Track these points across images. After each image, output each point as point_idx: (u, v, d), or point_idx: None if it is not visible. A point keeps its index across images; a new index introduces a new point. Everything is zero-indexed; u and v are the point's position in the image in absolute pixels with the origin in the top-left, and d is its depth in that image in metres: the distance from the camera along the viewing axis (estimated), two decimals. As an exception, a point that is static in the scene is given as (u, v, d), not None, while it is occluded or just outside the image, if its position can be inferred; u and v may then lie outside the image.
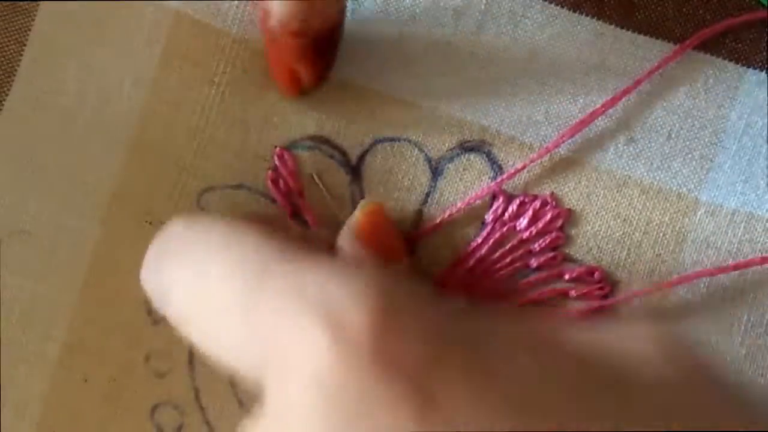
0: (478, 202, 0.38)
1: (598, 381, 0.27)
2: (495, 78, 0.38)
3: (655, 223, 0.38)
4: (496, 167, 0.38)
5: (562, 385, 0.26)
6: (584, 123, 0.37)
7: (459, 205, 0.38)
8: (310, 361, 0.26)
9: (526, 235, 0.38)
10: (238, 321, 0.29)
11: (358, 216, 0.36)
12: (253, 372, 0.28)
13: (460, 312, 0.29)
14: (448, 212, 0.38)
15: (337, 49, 0.38)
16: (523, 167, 0.38)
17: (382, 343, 0.26)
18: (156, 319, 0.38)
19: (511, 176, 0.38)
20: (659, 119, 0.38)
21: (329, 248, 0.36)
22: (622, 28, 0.38)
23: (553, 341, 0.28)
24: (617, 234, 0.38)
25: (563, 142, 0.37)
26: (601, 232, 0.38)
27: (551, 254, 0.38)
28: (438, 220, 0.38)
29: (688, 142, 0.38)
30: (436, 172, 0.38)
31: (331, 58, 0.37)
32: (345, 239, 0.36)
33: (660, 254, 0.38)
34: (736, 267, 0.37)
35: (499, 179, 0.38)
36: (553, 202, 0.38)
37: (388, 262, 0.35)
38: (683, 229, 0.38)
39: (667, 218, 0.38)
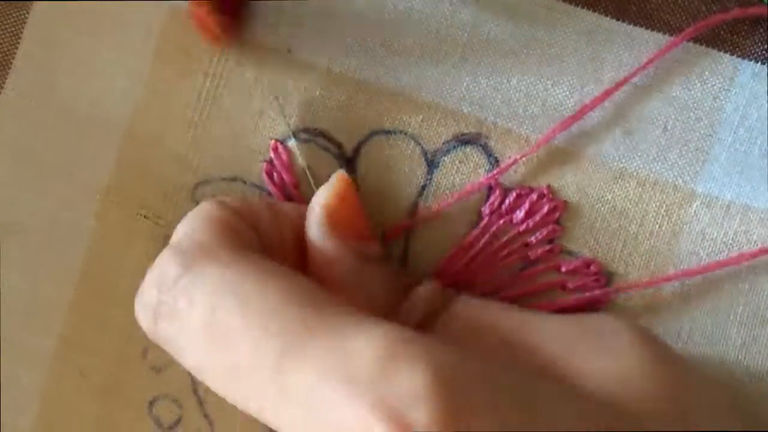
0: (474, 195, 0.38)
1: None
2: (491, 70, 0.38)
3: (651, 215, 0.38)
4: (493, 160, 0.38)
5: None
6: (579, 114, 0.37)
7: (454, 195, 0.38)
8: None
9: (522, 227, 0.38)
10: (267, 377, 0.28)
11: (330, 199, 0.35)
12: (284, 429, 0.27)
13: (527, 383, 0.28)
14: (443, 203, 0.38)
15: (244, 9, 0.37)
16: (515, 160, 0.37)
17: None
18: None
19: (505, 169, 0.38)
20: (655, 111, 0.38)
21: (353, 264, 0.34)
22: (617, 19, 0.38)
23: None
24: (613, 226, 0.38)
25: (557, 133, 0.37)
26: (597, 224, 0.38)
27: (548, 247, 0.38)
28: (433, 210, 0.38)
29: (684, 134, 0.38)
30: (431, 164, 0.38)
31: (238, 15, 0.37)
32: (315, 228, 0.34)
33: (656, 246, 0.38)
34: (738, 260, 0.37)
35: (494, 172, 0.38)
36: (550, 195, 0.38)
37: (361, 244, 0.34)
38: (679, 221, 0.38)
39: (663, 210, 0.38)
